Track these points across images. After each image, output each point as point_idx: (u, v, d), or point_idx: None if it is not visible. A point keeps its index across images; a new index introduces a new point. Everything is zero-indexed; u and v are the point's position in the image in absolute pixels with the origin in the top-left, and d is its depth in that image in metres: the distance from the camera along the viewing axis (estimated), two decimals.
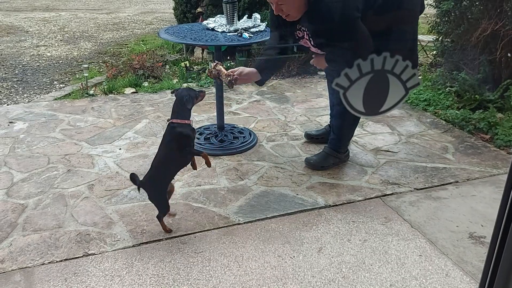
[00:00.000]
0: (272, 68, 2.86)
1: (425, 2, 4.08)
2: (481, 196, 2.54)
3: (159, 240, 2.17)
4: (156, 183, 2.15)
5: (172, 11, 6.25)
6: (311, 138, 3.21)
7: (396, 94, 0.72)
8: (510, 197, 0.58)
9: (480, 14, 3.60)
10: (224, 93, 3.27)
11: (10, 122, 3.56)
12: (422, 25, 6.11)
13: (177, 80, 4.65)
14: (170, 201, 2.49)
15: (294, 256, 2.05)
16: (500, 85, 3.56)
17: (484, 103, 3.54)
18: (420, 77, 4.36)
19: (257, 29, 3.06)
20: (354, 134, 3.15)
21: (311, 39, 2.50)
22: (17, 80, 4.95)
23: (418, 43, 5.22)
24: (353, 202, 2.50)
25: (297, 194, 2.57)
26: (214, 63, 2.59)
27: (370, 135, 3.33)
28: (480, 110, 3.48)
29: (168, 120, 2.16)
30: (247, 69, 2.63)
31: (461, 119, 3.43)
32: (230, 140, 3.14)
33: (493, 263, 0.59)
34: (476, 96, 3.58)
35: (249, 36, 2.96)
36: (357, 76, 0.68)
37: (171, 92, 2.28)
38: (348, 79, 0.68)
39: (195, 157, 2.18)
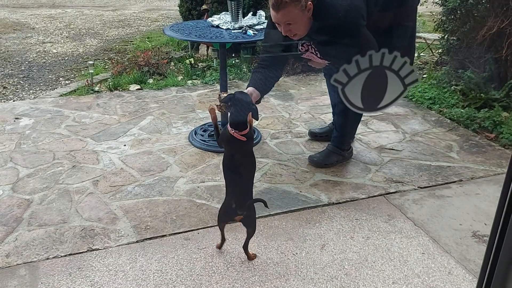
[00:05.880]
0: (267, 89, 2.55)
1: (431, 0, 4.09)
2: (485, 194, 2.53)
3: (163, 236, 2.18)
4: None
5: (178, 8, 6.26)
6: (315, 136, 3.21)
7: (395, 90, 0.72)
8: (509, 193, 0.59)
9: (486, 12, 3.58)
10: (228, 91, 3.27)
11: (16, 118, 3.59)
12: (428, 23, 6.09)
13: (182, 77, 4.66)
14: (174, 198, 2.51)
15: (297, 253, 2.06)
16: (506, 84, 3.54)
17: (490, 102, 3.52)
18: (425, 75, 4.35)
19: (261, 26, 3.06)
20: (358, 132, 3.16)
21: (317, 52, 2.50)
22: (23, 77, 4.98)
23: (424, 41, 5.21)
24: (356, 199, 2.50)
25: (300, 191, 2.57)
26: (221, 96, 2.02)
27: (374, 133, 3.33)
28: (485, 108, 3.46)
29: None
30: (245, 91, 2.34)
31: (466, 117, 3.42)
32: None
33: (491, 259, 0.60)
34: (482, 94, 3.57)
35: (253, 33, 2.96)
36: (356, 72, 0.69)
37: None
38: (347, 75, 0.69)
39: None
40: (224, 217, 2.02)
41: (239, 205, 1.94)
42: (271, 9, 2.30)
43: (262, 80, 2.48)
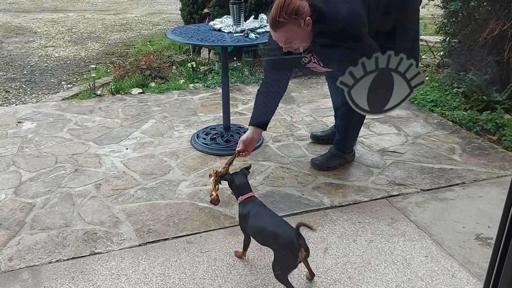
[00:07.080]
0: (269, 116, 2.54)
1: (432, 3, 4.10)
2: (488, 197, 2.53)
3: (165, 240, 2.18)
4: None
5: (179, 12, 6.27)
6: (317, 139, 3.21)
7: (401, 93, 0.72)
8: None
9: (488, 14, 3.58)
10: (230, 94, 3.28)
11: (18, 122, 3.59)
12: (430, 25, 6.09)
13: (183, 80, 4.67)
14: (176, 201, 2.51)
15: None
16: (508, 86, 3.54)
17: (492, 104, 3.52)
18: (427, 78, 4.35)
19: (263, 30, 3.07)
20: (361, 135, 3.15)
21: (320, 62, 2.49)
22: (25, 81, 4.99)
23: (426, 44, 5.21)
24: (359, 202, 2.50)
25: (303, 195, 2.57)
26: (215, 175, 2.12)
27: (376, 136, 3.32)
28: (487, 111, 3.46)
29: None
30: (245, 135, 2.42)
31: (468, 120, 3.41)
32: (236, 140, 3.14)
33: (497, 263, 0.59)
34: (484, 97, 3.56)
35: (255, 36, 2.96)
36: (362, 75, 0.69)
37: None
38: (353, 77, 0.69)
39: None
40: (289, 269, 1.81)
41: (301, 240, 1.77)
42: (270, 28, 2.28)
43: (262, 106, 2.50)
